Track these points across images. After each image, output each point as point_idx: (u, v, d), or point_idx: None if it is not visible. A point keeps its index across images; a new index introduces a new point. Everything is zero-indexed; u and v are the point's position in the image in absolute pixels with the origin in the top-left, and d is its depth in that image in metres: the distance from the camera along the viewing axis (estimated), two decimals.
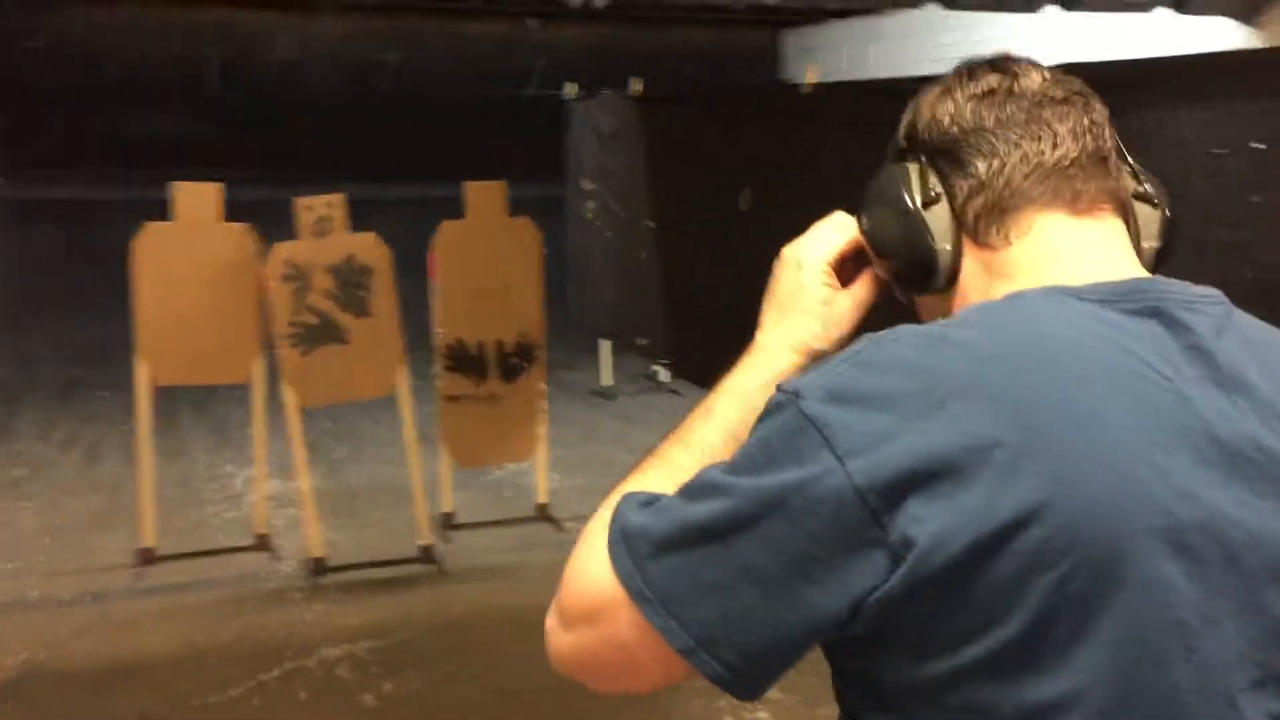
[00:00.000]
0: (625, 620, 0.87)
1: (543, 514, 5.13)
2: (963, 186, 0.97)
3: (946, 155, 0.98)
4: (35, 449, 6.30)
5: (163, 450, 5.83)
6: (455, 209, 4.76)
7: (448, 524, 4.97)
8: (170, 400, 6.68)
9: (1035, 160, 0.94)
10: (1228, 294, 0.94)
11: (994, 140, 0.95)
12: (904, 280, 1.02)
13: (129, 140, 7.89)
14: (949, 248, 0.97)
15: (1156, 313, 0.87)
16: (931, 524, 0.78)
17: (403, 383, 4.57)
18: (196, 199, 4.33)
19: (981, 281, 0.96)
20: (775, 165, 3.75)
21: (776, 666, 0.87)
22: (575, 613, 0.91)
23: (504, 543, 4.89)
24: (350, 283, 4.42)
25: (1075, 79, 1.00)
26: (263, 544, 4.71)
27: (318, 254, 4.38)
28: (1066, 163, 0.94)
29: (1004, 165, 0.95)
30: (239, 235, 4.36)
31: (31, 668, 3.72)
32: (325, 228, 4.38)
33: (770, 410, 0.87)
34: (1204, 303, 0.90)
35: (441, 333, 4.74)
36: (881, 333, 0.89)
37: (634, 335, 5.09)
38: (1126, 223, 0.97)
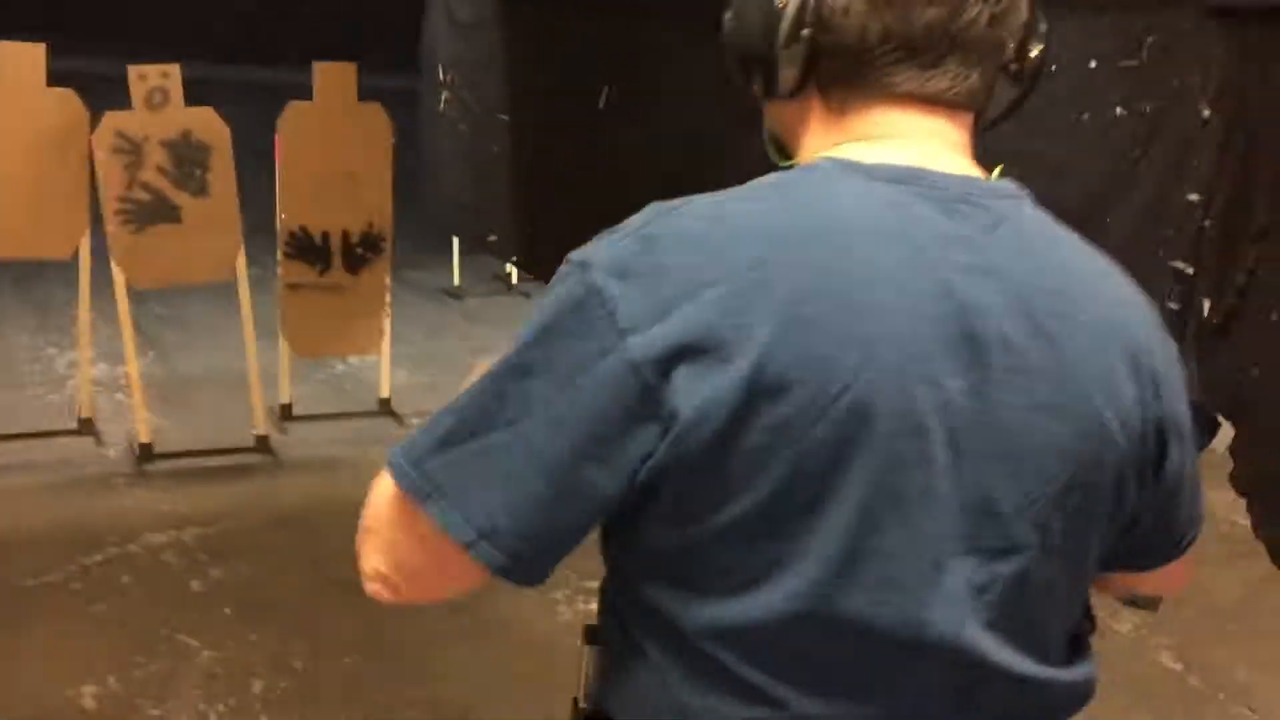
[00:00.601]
0: (410, 525, 0.89)
1: (385, 409, 5.07)
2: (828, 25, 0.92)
3: None
4: None
5: None
6: (303, 94, 4.58)
7: (285, 415, 4.86)
8: None
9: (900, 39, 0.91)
10: (1050, 210, 0.97)
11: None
12: (744, 75, 0.99)
13: None
14: (792, 61, 0.93)
15: (938, 200, 0.89)
16: (695, 397, 0.82)
17: (241, 268, 4.41)
18: (20, 60, 4.04)
19: (818, 126, 0.97)
20: (636, 63, 3.71)
21: (561, 550, 0.90)
22: (368, 534, 0.94)
23: (343, 435, 4.81)
24: (186, 159, 4.22)
25: None
26: (86, 428, 4.53)
27: (152, 127, 4.16)
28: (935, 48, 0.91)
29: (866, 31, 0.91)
30: (65, 101, 4.10)
31: None
32: (160, 99, 4.16)
33: (557, 279, 0.88)
34: (988, 195, 0.92)
35: (284, 218, 4.58)
36: (671, 203, 0.90)
37: (485, 233, 5.00)
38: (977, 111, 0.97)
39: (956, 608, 0.89)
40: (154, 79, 4.14)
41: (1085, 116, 2.44)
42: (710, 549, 0.87)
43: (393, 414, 5.04)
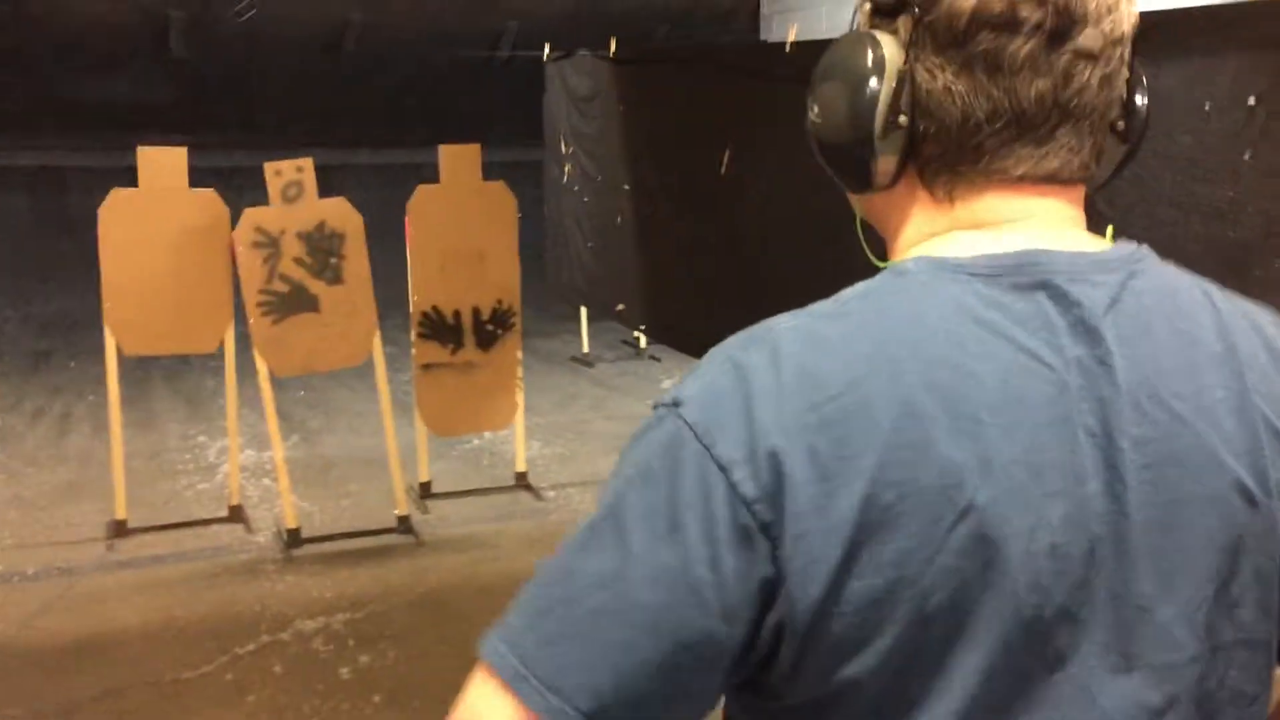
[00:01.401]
0: (495, 710, 0.78)
1: (521, 482, 5.08)
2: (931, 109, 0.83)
3: (943, 45, 0.82)
4: (2, 421, 6.19)
5: (134, 422, 5.76)
6: (429, 175, 4.67)
7: (425, 494, 4.91)
8: (143, 370, 6.59)
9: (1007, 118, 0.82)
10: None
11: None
12: (834, 165, 0.91)
13: (92, 103, 7.71)
14: (889, 150, 0.85)
15: (1044, 286, 0.81)
16: (802, 529, 0.75)
17: (377, 351, 4.49)
18: (163, 164, 4.22)
19: (920, 216, 0.88)
20: (754, 126, 3.67)
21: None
22: None
23: (482, 512, 4.84)
24: (322, 249, 4.33)
25: None
26: (236, 516, 4.64)
27: (288, 220, 4.29)
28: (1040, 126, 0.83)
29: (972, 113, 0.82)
30: (207, 201, 4.26)
31: (2, 644, 3.65)
32: (295, 193, 4.29)
33: (647, 424, 0.81)
34: (1098, 270, 0.83)
35: (415, 299, 4.66)
36: (756, 331, 0.83)
37: (611, 301, 5.01)
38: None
39: None
40: (289, 174, 4.27)
41: (1247, 156, 2.31)
42: (834, 712, 0.79)
43: (529, 487, 5.05)
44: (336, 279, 4.36)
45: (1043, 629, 0.78)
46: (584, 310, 7.00)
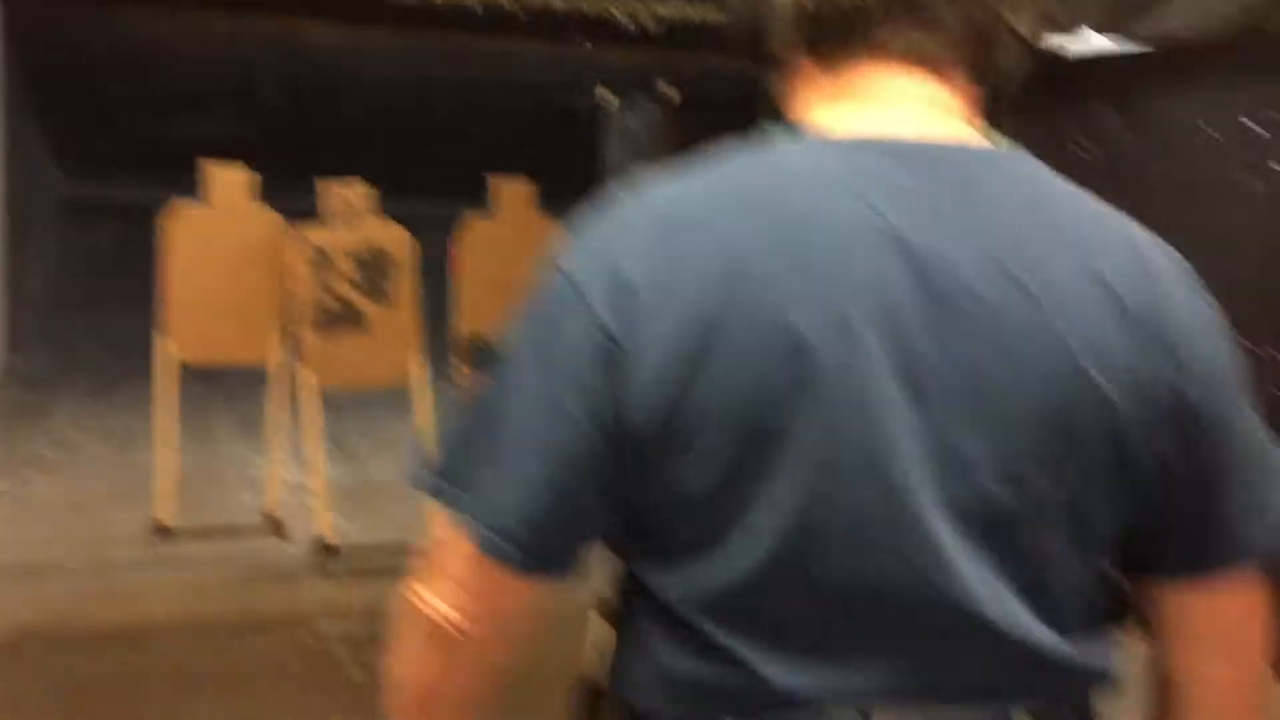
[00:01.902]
0: (448, 544, 0.90)
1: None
2: None
3: None
4: (69, 433, 6.42)
5: (191, 440, 5.92)
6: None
7: None
8: (203, 391, 6.80)
9: None
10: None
11: None
12: (744, 45, 0.98)
13: (183, 143, 8.09)
14: (784, 27, 0.92)
15: (902, 158, 0.86)
16: (647, 343, 0.83)
17: (418, 371, 4.60)
18: (228, 182, 4.42)
19: (808, 91, 0.95)
20: None
21: (575, 534, 0.89)
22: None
23: None
24: (372, 270, 4.48)
25: None
26: (275, 527, 4.75)
27: (343, 240, 4.45)
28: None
29: None
30: (268, 219, 4.44)
31: (32, 630, 3.76)
32: (352, 215, 4.45)
33: (538, 282, 0.91)
34: (969, 159, 0.88)
35: (463, 329, 4.77)
36: (628, 191, 0.91)
37: None
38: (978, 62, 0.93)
39: (934, 562, 0.83)
40: (346, 195, 4.44)
41: (1256, 184, 2.32)
42: (678, 515, 0.86)
43: None
44: (384, 299, 4.50)
45: (862, 453, 0.82)
46: None
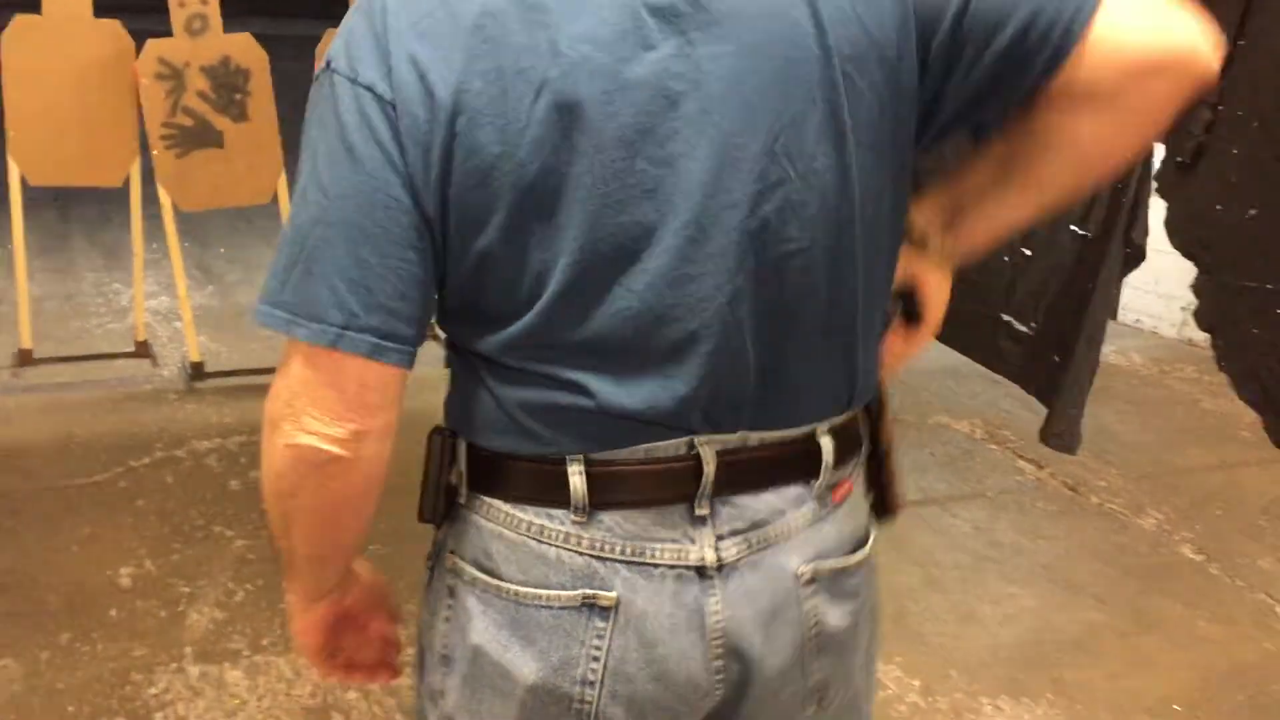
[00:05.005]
0: (302, 364, 0.93)
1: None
2: None
3: None
4: None
5: (51, 268, 5.81)
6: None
7: None
8: (62, 224, 6.60)
9: None
10: None
11: None
12: None
13: None
14: None
15: None
16: (414, 117, 0.90)
17: (283, 191, 4.55)
18: None
19: None
20: None
21: (417, 307, 0.94)
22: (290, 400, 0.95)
23: None
24: (226, 85, 4.35)
25: None
26: (143, 351, 4.73)
27: (192, 53, 4.30)
28: None
29: None
30: (112, 31, 4.26)
31: None
32: (199, 26, 4.30)
33: (314, 91, 0.95)
34: None
35: None
36: None
37: None
38: None
39: (729, 262, 0.93)
40: (193, 6, 4.28)
41: None
42: (486, 271, 0.93)
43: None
44: (242, 116, 4.39)
45: (636, 181, 0.90)
46: None
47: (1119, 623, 3.07)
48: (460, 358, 1.02)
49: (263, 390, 0.98)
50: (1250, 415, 1.88)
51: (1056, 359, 2.14)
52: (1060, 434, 2.12)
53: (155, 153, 4.31)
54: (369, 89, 0.89)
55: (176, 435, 3.98)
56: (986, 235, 1.07)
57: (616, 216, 0.91)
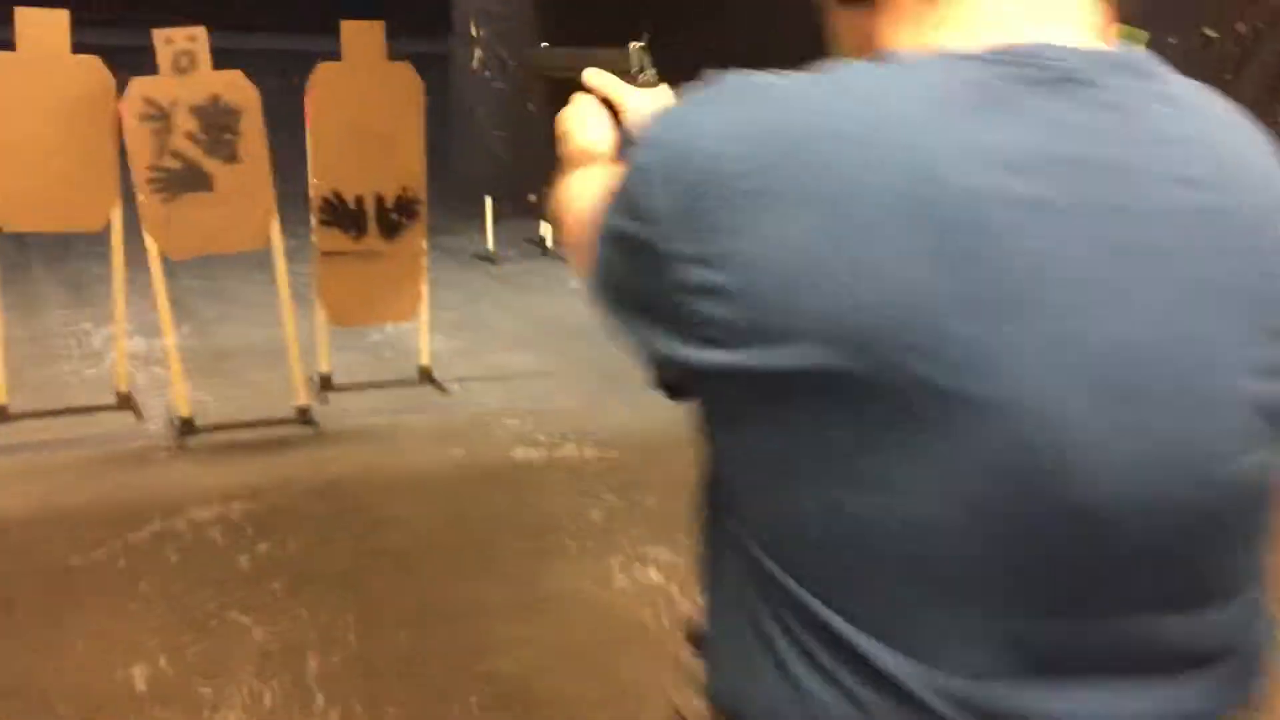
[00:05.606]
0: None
1: (425, 377, 4.98)
2: None
3: None
4: None
5: (13, 305, 5.49)
6: (332, 59, 4.44)
7: (325, 385, 4.78)
8: (22, 256, 6.28)
9: None
10: None
11: None
12: None
13: None
14: None
15: (1039, 80, 0.71)
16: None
17: (275, 235, 4.31)
18: (44, 28, 3.94)
19: (906, 25, 0.78)
20: (675, 8, 3.56)
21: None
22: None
23: (384, 404, 4.73)
24: (216, 125, 4.11)
25: None
26: (126, 403, 4.46)
27: (180, 92, 4.05)
28: None
29: None
30: (90, 68, 4.00)
31: None
32: (187, 63, 4.05)
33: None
34: (1125, 68, 0.74)
35: (316, 183, 4.47)
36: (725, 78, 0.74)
37: (522, 192, 4.88)
38: None
39: None
40: (180, 43, 4.03)
41: (1170, 39, 2.29)
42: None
43: (433, 381, 4.95)
44: (232, 157, 4.15)
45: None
46: (490, 206, 6.83)
47: None
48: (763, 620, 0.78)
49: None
50: None
51: None
52: None
53: (141, 198, 4.05)
54: (662, 231, 0.75)
55: (173, 502, 3.72)
56: None
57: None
